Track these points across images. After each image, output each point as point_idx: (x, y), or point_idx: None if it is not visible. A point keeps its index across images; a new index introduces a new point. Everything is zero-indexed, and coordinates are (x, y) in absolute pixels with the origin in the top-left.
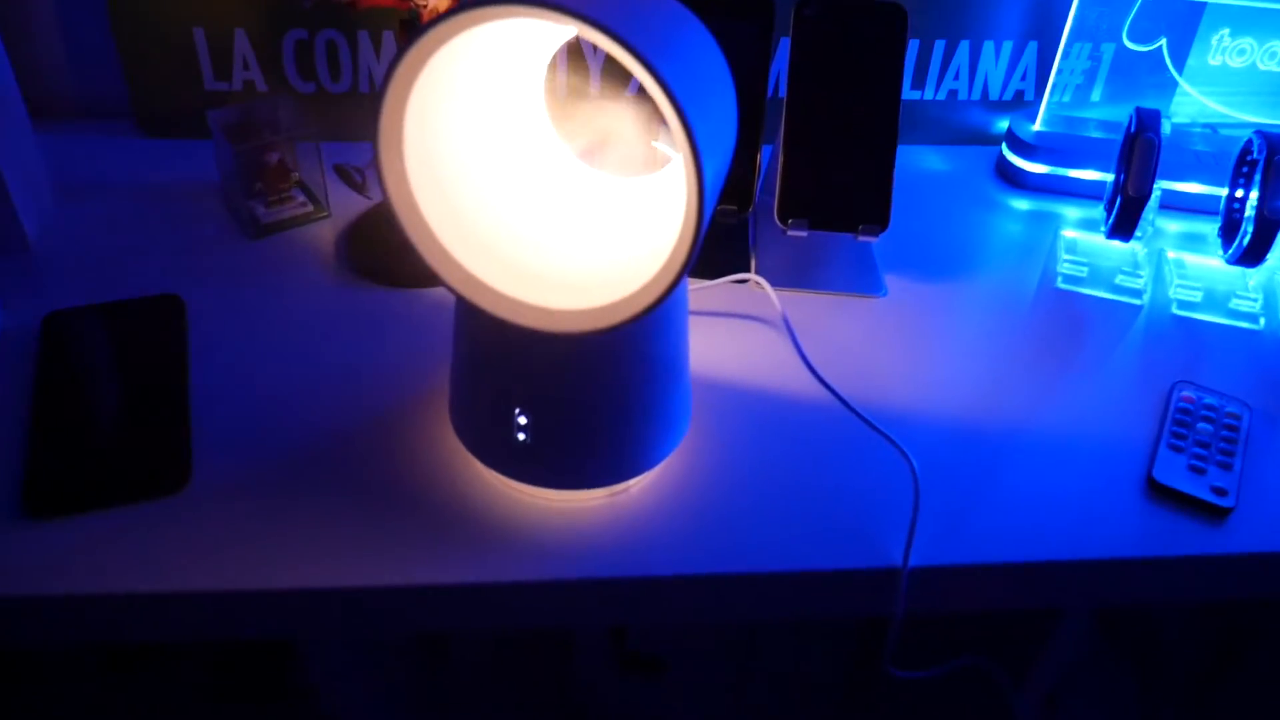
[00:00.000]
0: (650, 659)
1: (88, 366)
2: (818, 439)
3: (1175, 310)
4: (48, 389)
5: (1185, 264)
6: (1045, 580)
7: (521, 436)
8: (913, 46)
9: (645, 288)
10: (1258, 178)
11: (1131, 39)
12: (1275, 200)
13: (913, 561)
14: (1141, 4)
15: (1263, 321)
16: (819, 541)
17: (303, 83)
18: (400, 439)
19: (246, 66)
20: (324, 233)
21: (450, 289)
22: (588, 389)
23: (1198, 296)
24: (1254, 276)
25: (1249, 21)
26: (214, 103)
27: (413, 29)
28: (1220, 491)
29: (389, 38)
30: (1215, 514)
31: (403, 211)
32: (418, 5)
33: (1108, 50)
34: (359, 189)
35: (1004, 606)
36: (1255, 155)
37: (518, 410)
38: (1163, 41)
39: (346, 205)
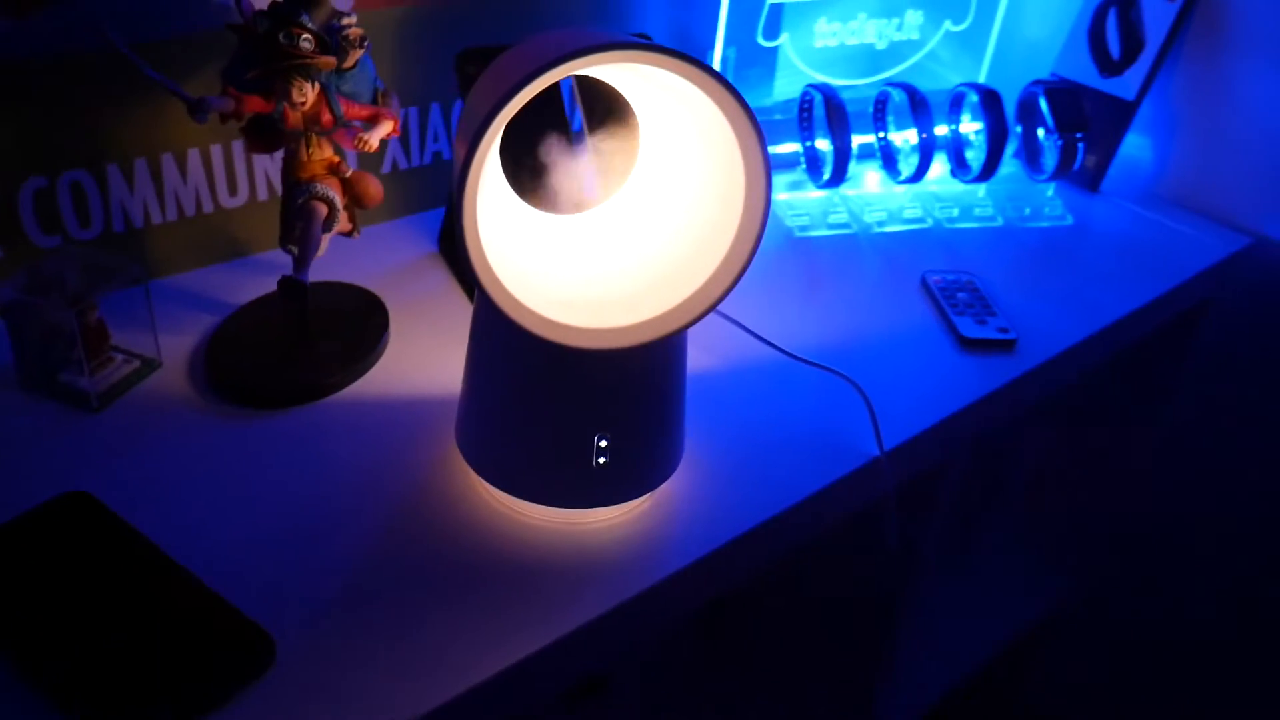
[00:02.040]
0: (592, 681)
1: (44, 589)
2: (766, 389)
3: (875, 230)
4: (20, 628)
5: (864, 195)
6: (953, 431)
7: (601, 460)
8: None
9: (714, 278)
10: (892, 119)
11: (764, 38)
12: (927, 130)
13: (873, 448)
14: (768, 10)
15: (930, 221)
16: (814, 464)
17: (45, 237)
18: (430, 524)
19: None
20: (167, 380)
21: (544, 340)
22: (654, 394)
23: (884, 215)
24: (909, 192)
25: (836, 9)
26: None
27: (261, 132)
28: (1004, 330)
29: (142, 167)
30: (1007, 346)
31: (486, 281)
32: (295, 103)
33: (731, 52)
34: (300, 296)
35: (935, 465)
36: (896, 102)
37: (598, 436)
38: (785, 37)
39: (175, 347)
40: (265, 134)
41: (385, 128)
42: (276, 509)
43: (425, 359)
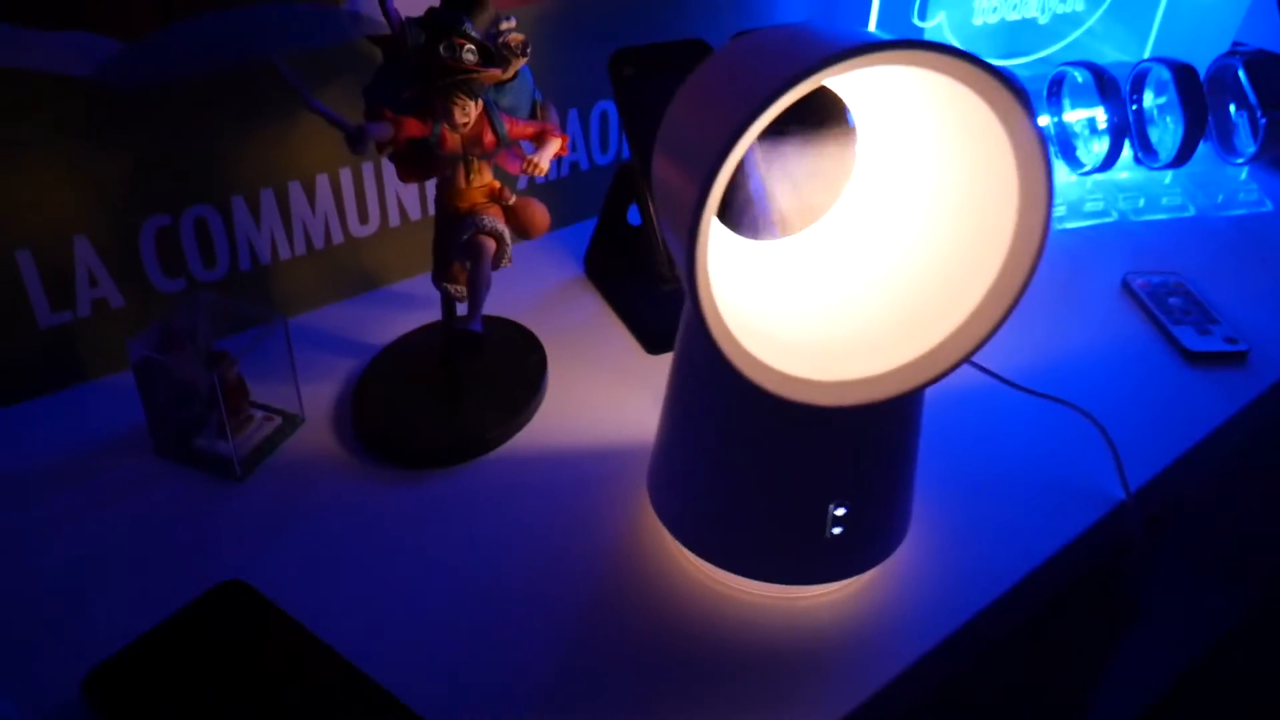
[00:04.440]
0: None
1: (217, 696)
2: (983, 425)
3: (1055, 226)
4: None
5: None
6: (1195, 463)
7: (836, 530)
8: None
9: (979, 313)
10: (1068, 102)
11: (919, 19)
12: (1117, 117)
13: (1119, 491)
14: None
15: (1115, 214)
16: (1050, 515)
17: (168, 280)
18: (626, 604)
19: (95, 282)
20: (312, 438)
21: (784, 399)
22: (897, 451)
23: (1063, 209)
24: (1089, 182)
25: None
26: (54, 344)
27: (416, 158)
28: (1232, 340)
29: (268, 198)
30: (1239, 358)
31: (723, 341)
32: (456, 124)
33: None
34: (478, 350)
35: (1172, 501)
36: (1078, 83)
37: (834, 504)
38: (942, 16)
39: (315, 398)
40: (420, 160)
41: (554, 146)
42: (450, 589)
43: (590, 402)
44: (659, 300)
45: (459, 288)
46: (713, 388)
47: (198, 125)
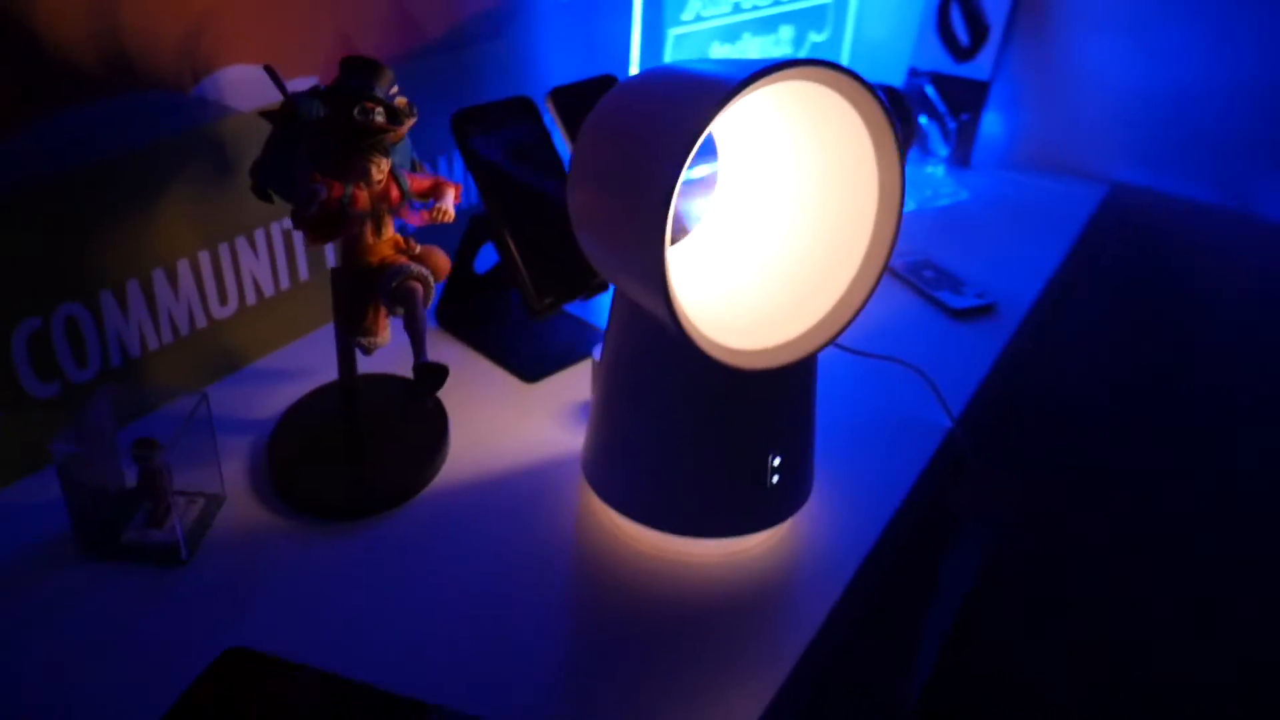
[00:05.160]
0: None
1: None
2: (842, 385)
3: None
4: None
5: None
6: (986, 395)
7: (775, 479)
8: None
9: (857, 279)
10: None
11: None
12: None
13: (945, 420)
14: (672, 41)
15: None
16: (904, 447)
17: (44, 386)
18: (600, 592)
19: None
20: (240, 513)
21: (734, 368)
22: (809, 402)
23: None
24: None
25: (724, 32)
26: None
27: (327, 219)
28: (981, 295)
29: (135, 289)
30: (990, 309)
31: (689, 329)
32: (373, 182)
33: None
34: (442, 377)
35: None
36: None
37: (772, 454)
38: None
39: (232, 472)
40: (331, 221)
41: (451, 193)
42: (438, 612)
43: (492, 434)
44: (526, 334)
45: (373, 340)
46: (660, 374)
47: (61, 223)
